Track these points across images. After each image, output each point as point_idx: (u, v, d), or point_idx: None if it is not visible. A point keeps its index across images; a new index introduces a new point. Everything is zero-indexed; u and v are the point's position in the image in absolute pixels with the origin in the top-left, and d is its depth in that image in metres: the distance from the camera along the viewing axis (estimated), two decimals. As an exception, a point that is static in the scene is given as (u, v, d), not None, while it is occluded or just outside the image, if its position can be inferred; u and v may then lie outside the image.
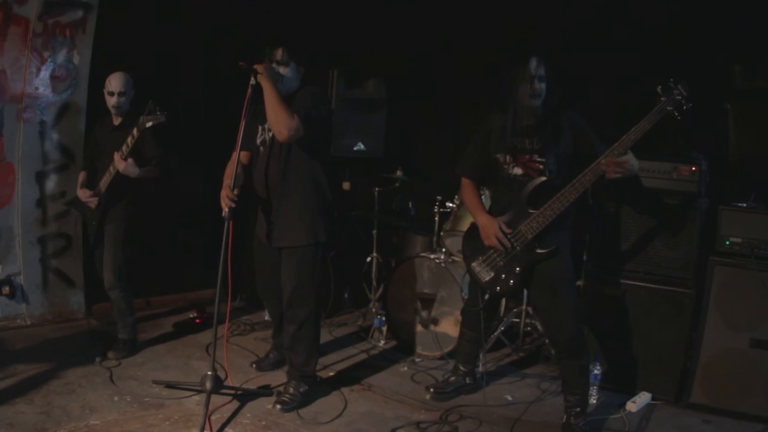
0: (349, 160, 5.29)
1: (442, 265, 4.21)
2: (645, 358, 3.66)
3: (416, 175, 4.97)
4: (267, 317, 4.86)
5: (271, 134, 3.42)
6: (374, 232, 5.02)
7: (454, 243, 4.37)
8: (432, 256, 4.29)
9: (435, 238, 4.57)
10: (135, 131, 3.74)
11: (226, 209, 3.28)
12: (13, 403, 3.24)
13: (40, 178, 4.39)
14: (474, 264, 3.36)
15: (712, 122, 3.70)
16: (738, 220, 3.45)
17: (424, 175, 5.18)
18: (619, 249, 3.76)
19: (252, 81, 3.24)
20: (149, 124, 3.70)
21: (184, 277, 5.23)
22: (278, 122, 3.21)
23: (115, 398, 3.40)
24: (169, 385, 3.57)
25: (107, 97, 3.93)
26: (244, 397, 3.52)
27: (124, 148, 3.77)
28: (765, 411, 3.31)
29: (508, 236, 3.20)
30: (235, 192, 3.30)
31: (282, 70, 3.37)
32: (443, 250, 4.39)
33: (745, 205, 3.50)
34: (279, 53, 3.38)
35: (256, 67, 3.24)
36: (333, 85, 5.09)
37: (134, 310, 4.15)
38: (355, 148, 5.25)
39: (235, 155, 3.56)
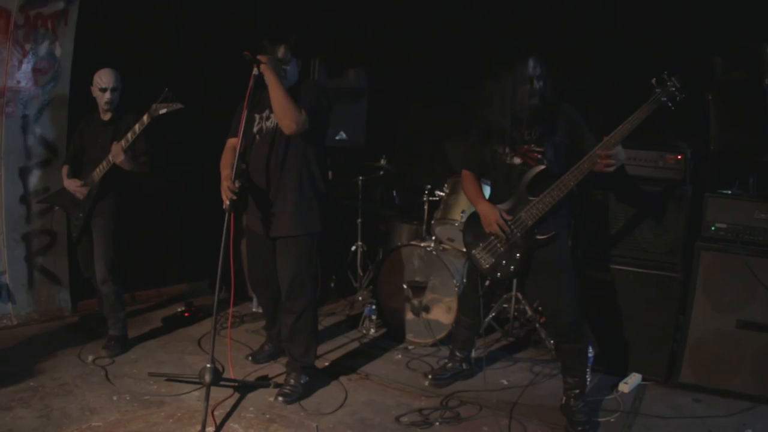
0: (331, 149, 5.27)
1: (434, 252, 4.25)
2: (634, 340, 3.77)
3: (399, 164, 5.00)
4: (254, 308, 4.86)
5: (269, 124, 3.42)
6: (359, 221, 5.04)
7: (444, 231, 4.42)
8: (423, 244, 4.33)
9: (425, 227, 4.62)
10: (146, 118, 3.65)
11: (227, 201, 3.27)
12: (10, 408, 3.16)
13: (24, 173, 4.28)
14: (475, 251, 3.42)
15: (695, 112, 3.82)
16: (723, 206, 3.57)
17: (408, 163, 5.21)
18: (607, 235, 3.85)
19: (255, 71, 3.24)
20: (163, 111, 3.61)
21: (167, 271, 5.17)
22: (286, 116, 3.23)
23: (114, 398, 3.36)
24: (169, 379, 3.55)
25: (99, 94, 3.83)
26: (245, 390, 3.51)
27: (129, 135, 3.69)
28: (752, 389, 3.45)
29: (509, 223, 3.26)
30: (236, 184, 3.28)
31: (284, 66, 3.36)
32: (433, 238, 4.44)
33: (730, 192, 3.63)
34: (281, 51, 3.35)
35: (260, 58, 3.23)
36: (314, 74, 5.06)
37: (125, 305, 4.10)
38: (336, 137, 5.23)
39: (229, 144, 3.56)
